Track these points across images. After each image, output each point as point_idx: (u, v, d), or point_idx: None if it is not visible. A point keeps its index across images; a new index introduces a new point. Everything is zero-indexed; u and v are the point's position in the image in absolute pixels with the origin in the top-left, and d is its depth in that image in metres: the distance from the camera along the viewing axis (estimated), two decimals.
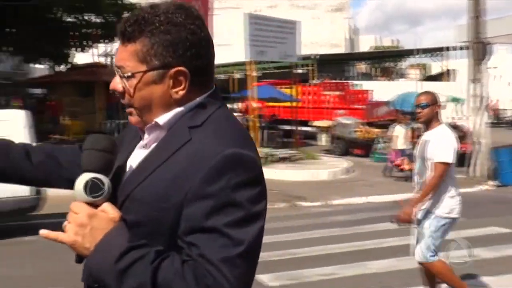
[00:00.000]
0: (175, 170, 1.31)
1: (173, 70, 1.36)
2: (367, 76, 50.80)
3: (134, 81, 1.38)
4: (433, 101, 4.60)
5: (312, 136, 22.09)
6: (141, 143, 1.45)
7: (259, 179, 1.35)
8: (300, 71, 19.21)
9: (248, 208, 1.28)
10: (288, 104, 20.47)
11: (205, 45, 1.40)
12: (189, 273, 1.22)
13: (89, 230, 1.30)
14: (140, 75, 1.37)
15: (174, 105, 1.40)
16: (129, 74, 1.37)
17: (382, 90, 27.54)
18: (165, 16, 1.36)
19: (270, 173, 14.53)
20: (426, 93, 4.79)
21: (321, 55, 31.47)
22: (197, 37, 1.37)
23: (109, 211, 1.33)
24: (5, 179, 1.63)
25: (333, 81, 28.05)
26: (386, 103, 22.84)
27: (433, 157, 4.52)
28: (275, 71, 19.60)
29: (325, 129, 21.19)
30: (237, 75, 21.51)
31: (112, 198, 1.36)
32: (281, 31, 16.43)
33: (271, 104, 22.32)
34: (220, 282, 1.21)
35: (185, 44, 1.36)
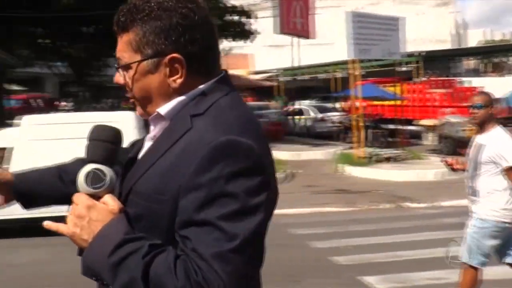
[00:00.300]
0: (172, 160, 1.26)
1: (167, 58, 1.30)
2: (475, 73, 48.26)
3: (131, 72, 1.34)
4: (488, 102, 4.48)
5: (417, 135, 21.34)
6: (149, 135, 1.41)
7: (259, 169, 1.24)
8: (404, 68, 18.63)
9: (244, 200, 1.19)
10: (392, 102, 19.93)
11: (201, 29, 1.32)
12: (180, 269, 1.16)
13: (87, 222, 1.26)
14: (135, 65, 1.33)
15: (174, 94, 1.34)
16: (124, 65, 1.34)
17: (493, 87, 26.03)
18: (156, 1, 1.30)
19: (375, 173, 14.23)
20: (482, 93, 4.73)
21: (427, 52, 30.32)
22: (190, 21, 1.30)
23: (109, 203, 1.29)
24: (44, 202, 1.67)
25: (440, 78, 26.90)
26: (498, 100, 21.55)
27: (501, 162, 4.34)
28: (378, 69, 19.16)
29: (431, 128, 20.37)
30: (339, 74, 21.28)
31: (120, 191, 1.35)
32: (384, 28, 16.05)
33: (375, 103, 21.87)
34: (210, 278, 1.14)
35: (177, 30, 1.29)
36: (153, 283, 1.16)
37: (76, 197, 1.30)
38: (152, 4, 1.30)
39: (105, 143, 1.36)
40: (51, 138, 8.67)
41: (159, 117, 1.35)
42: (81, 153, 1.43)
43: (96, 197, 1.31)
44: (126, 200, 1.32)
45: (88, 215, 1.27)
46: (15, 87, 31.31)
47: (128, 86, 1.37)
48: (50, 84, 37.10)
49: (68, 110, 25.28)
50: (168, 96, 1.34)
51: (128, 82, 1.36)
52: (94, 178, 1.32)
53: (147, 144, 1.41)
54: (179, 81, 1.32)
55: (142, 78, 1.34)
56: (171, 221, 1.23)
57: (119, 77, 1.39)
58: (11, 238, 8.49)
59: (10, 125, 11.08)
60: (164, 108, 1.34)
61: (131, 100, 1.41)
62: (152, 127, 1.39)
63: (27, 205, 1.66)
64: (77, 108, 25.53)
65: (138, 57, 1.32)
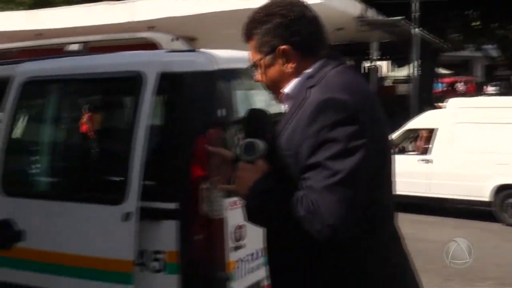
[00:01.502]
0: (294, 124, 1.64)
1: (280, 49, 1.70)
2: None
3: (260, 69, 1.75)
4: None
5: None
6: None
7: (354, 120, 1.54)
8: None
9: (344, 142, 1.52)
10: None
11: (299, 23, 1.70)
12: (302, 203, 1.53)
13: (243, 181, 1.69)
14: (261, 62, 1.73)
15: (291, 77, 1.72)
16: (253, 64, 1.77)
17: None
18: (263, 10, 1.72)
19: None
20: None
21: None
22: (289, 19, 1.69)
23: (259, 165, 1.70)
24: None
25: None
26: None
27: None
28: None
29: None
30: None
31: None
32: None
33: None
34: (322, 207, 1.50)
35: (280, 27, 1.69)
36: (288, 216, 1.55)
37: (238, 164, 1.73)
38: (261, 13, 1.72)
39: (255, 120, 1.82)
40: (475, 121, 8.68)
41: (286, 97, 1.74)
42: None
43: (253, 162, 1.71)
44: (274, 161, 1.69)
45: (245, 175, 1.70)
46: (443, 71, 32.18)
47: (262, 81, 1.77)
48: (477, 68, 36.72)
49: (493, 95, 24.56)
50: (288, 81, 1.73)
51: (260, 79, 1.78)
52: (248, 149, 1.72)
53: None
54: (293, 65, 1.72)
55: (267, 71, 1.75)
56: (296, 170, 1.59)
57: (257, 76, 1.79)
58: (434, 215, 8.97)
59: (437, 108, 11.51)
60: (288, 88, 1.73)
61: (270, 91, 1.80)
62: (283, 107, 1.78)
63: None
64: (504, 92, 24.52)
65: (260, 56, 1.74)
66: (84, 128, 3.00)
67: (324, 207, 1.51)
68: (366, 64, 19.58)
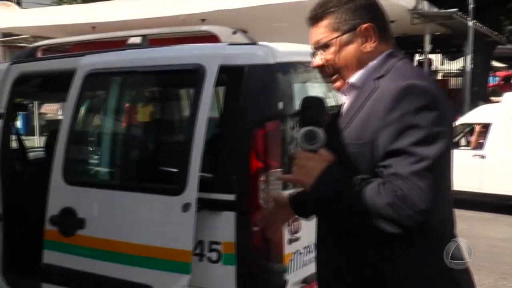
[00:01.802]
0: (365, 113, 1.63)
1: (362, 27, 1.71)
2: None
3: (333, 48, 1.73)
4: None
5: None
6: (344, 103, 1.79)
7: (436, 105, 1.55)
8: None
9: (428, 128, 1.51)
10: None
11: (377, 8, 1.77)
12: (386, 190, 1.50)
13: (307, 170, 1.65)
14: (337, 40, 1.72)
15: (366, 60, 1.72)
16: (328, 42, 1.73)
17: None
18: None
19: None
20: None
21: None
22: (369, 3, 1.76)
23: (324, 154, 1.66)
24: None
25: None
26: None
27: None
28: None
29: None
30: None
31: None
32: None
33: None
34: (411, 191, 1.47)
35: (363, 8, 1.73)
36: (367, 204, 1.52)
37: (295, 153, 1.71)
38: None
39: (313, 108, 1.75)
40: None
41: (351, 87, 1.74)
42: None
43: (313, 151, 1.67)
44: (335, 150, 1.67)
45: (308, 164, 1.66)
46: (498, 64, 31.21)
47: (331, 61, 1.75)
48: None
49: None
50: (362, 64, 1.73)
51: (330, 59, 1.75)
52: (309, 137, 1.68)
53: (344, 109, 1.77)
54: (372, 45, 1.72)
55: (344, 49, 1.73)
56: (370, 159, 1.59)
57: (318, 61, 1.78)
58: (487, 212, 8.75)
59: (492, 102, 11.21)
60: (355, 77, 1.73)
61: (332, 78, 1.78)
62: (344, 97, 1.78)
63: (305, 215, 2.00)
64: None
65: (337, 34, 1.72)
66: (125, 119, 3.06)
67: (414, 192, 1.48)
68: (418, 57, 19.20)
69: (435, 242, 1.66)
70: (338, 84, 1.80)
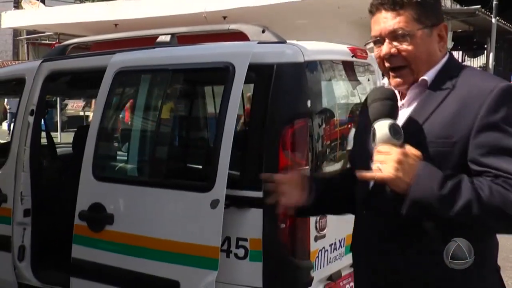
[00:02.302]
0: (450, 112, 1.59)
1: (441, 25, 1.71)
2: None
3: (413, 39, 1.66)
4: None
5: None
6: (404, 100, 1.73)
7: None
8: None
9: None
10: None
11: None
12: (502, 186, 1.48)
13: (407, 166, 1.51)
14: (421, 32, 1.66)
15: (437, 58, 1.71)
16: (410, 33, 1.66)
17: None
18: None
19: None
20: None
21: None
22: (439, 2, 1.77)
23: (413, 150, 1.54)
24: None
25: None
26: None
27: None
28: None
29: None
30: None
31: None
32: None
33: None
34: None
35: (437, 6, 1.73)
36: (491, 202, 1.47)
37: (384, 148, 1.55)
38: None
39: (386, 100, 1.63)
40: None
41: (419, 84, 1.69)
42: None
43: (400, 147, 1.54)
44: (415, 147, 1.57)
45: (406, 160, 1.52)
46: None
47: (405, 54, 1.67)
48: None
49: None
50: (433, 62, 1.70)
51: (406, 50, 1.67)
52: (395, 130, 1.55)
53: (403, 112, 1.70)
54: (445, 46, 1.73)
55: (423, 42, 1.67)
56: (458, 157, 1.56)
57: (391, 49, 1.69)
58: None
59: None
60: (429, 75, 1.69)
61: (397, 72, 1.70)
62: (407, 97, 1.72)
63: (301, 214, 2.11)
64: None
65: (420, 26, 1.67)
66: (127, 114, 3.08)
67: None
68: None
69: (494, 240, 1.74)
70: (400, 81, 1.73)
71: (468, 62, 26.94)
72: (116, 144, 3.55)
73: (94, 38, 4.14)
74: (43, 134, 4.13)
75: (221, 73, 2.80)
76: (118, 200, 3.11)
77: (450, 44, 14.89)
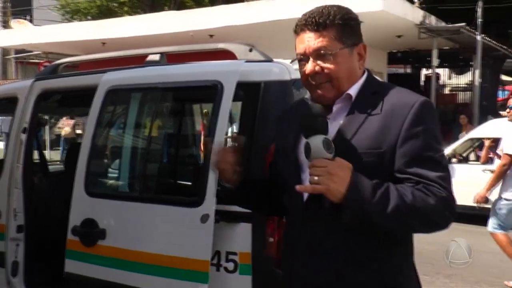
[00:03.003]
0: (377, 125, 1.74)
1: (361, 45, 1.86)
2: None
3: (335, 58, 1.79)
4: None
5: None
6: (332, 114, 1.84)
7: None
8: None
9: (441, 141, 1.78)
10: None
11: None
12: (430, 193, 1.67)
13: (341, 177, 1.64)
14: (342, 51, 1.79)
15: (358, 75, 1.85)
16: (332, 52, 1.78)
17: None
18: (339, 9, 1.83)
19: None
20: None
21: None
22: (357, 22, 1.86)
23: (344, 162, 1.66)
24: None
25: None
26: None
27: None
28: None
29: None
30: None
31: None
32: None
33: None
34: (444, 192, 1.68)
35: (357, 27, 1.85)
36: (416, 206, 1.65)
37: (319, 162, 1.65)
38: (339, 11, 1.82)
39: (318, 116, 1.73)
40: None
41: (345, 98, 1.82)
42: None
43: (331, 160, 1.65)
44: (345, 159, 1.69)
45: (337, 172, 1.64)
46: (507, 78, 31.16)
47: (328, 71, 1.79)
48: None
49: None
50: (354, 78, 1.84)
51: (329, 68, 1.79)
52: (328, 144, 1.66)
53: (337, 119, 1.83)
54: (363, 63, 1.87)
55: (344, 61, 1.80)
56: (388, 167, 1.72)
57: (315, 67, 1.80)
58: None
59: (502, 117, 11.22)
60: (353, 90, 1.83)
61: (322, 86, 1.81)
62: (334, 109, 1.84)
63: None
64: None
65: (341, 46, 1.79)
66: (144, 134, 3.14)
67: (451, 196, 1.72)
68: (426, 71, 19.25)
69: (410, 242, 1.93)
70: (327, 94, 1.83)
71: (454, 79, 27.31)
72: (107, 161, 3.62)
73: (85, 57, 4.21)
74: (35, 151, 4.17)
75: (210, 91, 2.87)
76: (110, 216, 3.15)
77: (436, 62, 15.14)
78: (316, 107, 1.85)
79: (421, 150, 1.72)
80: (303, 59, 1.85)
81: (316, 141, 1.67)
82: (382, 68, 16.82)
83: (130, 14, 23.04)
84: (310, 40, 1.81)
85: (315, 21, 1.81)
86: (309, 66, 1.82)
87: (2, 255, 3.64)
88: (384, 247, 1.79)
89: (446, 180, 1.72)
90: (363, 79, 1.88)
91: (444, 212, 1.70)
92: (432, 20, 14.46)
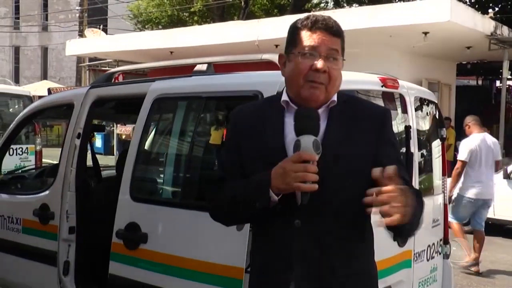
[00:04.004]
0: (355, 130, 1.92)
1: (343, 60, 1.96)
2: None
3: (339, 64, 1.91)
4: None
5: None
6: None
7: None
8: None
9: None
10: None
11: None
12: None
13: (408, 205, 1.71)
14: (342, 61, 1.93)
15: (334, 87, 1.93)
16: (338, 59, 1.91)
17: None
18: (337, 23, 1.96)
19: None
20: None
21: None
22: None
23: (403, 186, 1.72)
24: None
25: None
26: None
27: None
28: None
29: None
30: None
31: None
32: None
33: None
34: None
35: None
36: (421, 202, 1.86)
37: (389, 188, 1.67)
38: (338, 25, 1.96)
39: (313, 119, 1.82)
40: None
41: (331, 103, 1.93)
42: None
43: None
44: (324, 162, 1.79)
45: (406, 198, 1.70)
46: None
47: (332, 75, 1.88)
48: None
49: None
50: (339, 87, 1.95)
51: (334, 72, 1.89)
52: (317, 146, 1.75)
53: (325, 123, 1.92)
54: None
55: (341, 69, 1.92)
56: (367, 169, 1.77)
57: (324, 66, 1.86)
58: None
59: None
60: (335, 97, 1.94)
61: (320, 87, 1.87)
62: (320, 110, 1.90)
63: None
64: None
65: (342, 56, 1.93)
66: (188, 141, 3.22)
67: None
68: (499, 83, 18.54)
69: None
70: (321, 95, 1.91)
71: None
72: (152, 167, 3.72)
73: (137, 66, 4.37)
74: (89, 156, 4.35)
75: (251, 101, 2.91)
76: (152, 220, 3.25)
77: (507, 73, 14.55)
78: (312, 110, 1.87)
79: (394, 153, 2.00)
80: (311, 53, 1.88)
81: (307, 140, 1.77)
82: (451, 79, 16.31)
83: (199, 24, 23.54)
84: (326, 40, 1.89)
85: (335, 26, 1.92)
86: (322, 63, 1.86)
87: (55, 255, 3.80)
88: (366, 246, 2.03)
89: (403, 169, 2.01)
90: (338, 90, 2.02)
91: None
92: (505, 31, 13.91)
